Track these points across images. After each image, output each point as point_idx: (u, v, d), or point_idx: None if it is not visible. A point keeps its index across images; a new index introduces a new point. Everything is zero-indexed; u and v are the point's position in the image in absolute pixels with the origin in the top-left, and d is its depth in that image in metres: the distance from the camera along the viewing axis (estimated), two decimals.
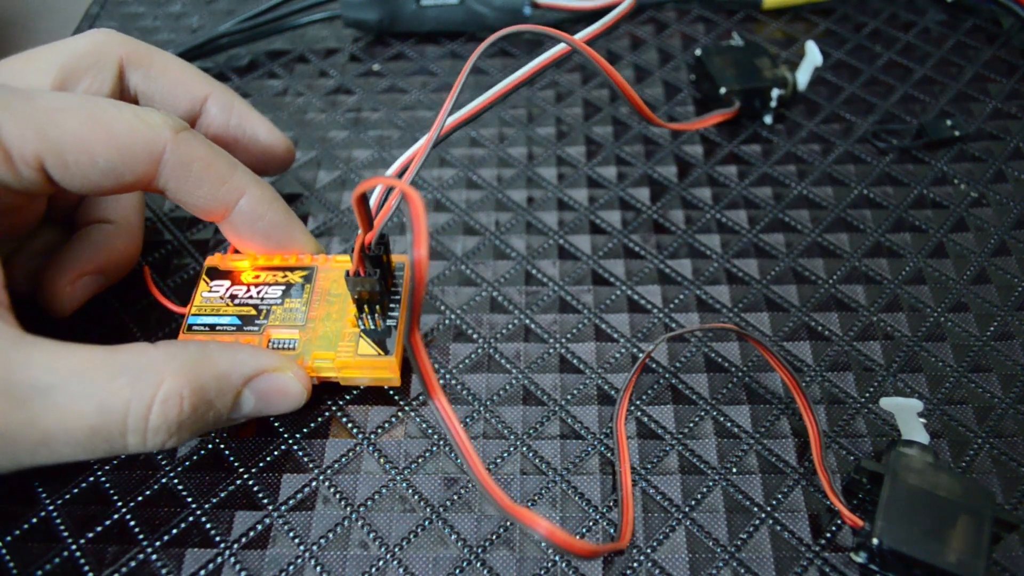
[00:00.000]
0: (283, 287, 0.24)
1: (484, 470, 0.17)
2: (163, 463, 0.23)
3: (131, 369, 0.19)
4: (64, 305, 0.24)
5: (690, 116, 0.32)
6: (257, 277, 0.24)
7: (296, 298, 0.24)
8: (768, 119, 0.32)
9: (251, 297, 0.24)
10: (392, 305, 0.24)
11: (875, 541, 0.19)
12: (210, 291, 0.24)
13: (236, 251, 0.26)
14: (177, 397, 0.19)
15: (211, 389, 0.20)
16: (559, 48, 0.23)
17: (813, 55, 0.31)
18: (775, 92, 0.30)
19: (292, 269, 0.25)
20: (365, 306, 0.23)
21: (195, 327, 0.23)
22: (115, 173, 0.21)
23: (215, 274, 0.25)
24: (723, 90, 0.30)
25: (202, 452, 0.23)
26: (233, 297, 0.24)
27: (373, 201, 0.22)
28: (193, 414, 0.19)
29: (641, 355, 0.25)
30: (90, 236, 0.25)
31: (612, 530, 0.21)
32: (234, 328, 0.23)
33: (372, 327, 0.23)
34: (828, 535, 0.21)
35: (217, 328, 0.23)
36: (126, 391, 0.18)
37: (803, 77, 0.31)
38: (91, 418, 0.18)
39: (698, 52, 0.32)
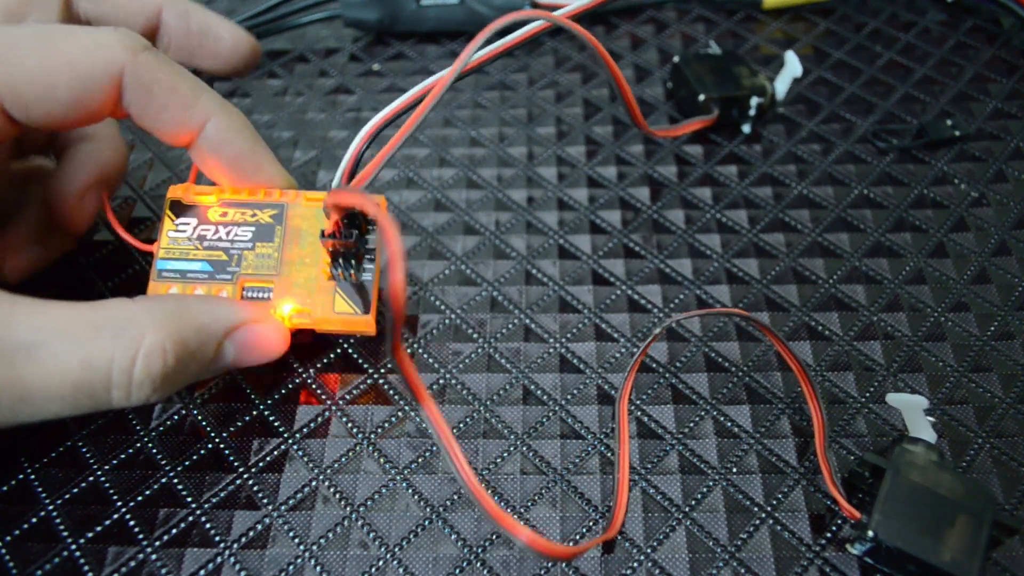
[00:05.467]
0: (253, 228, 0.23)
1: (473, 477, 0.17)
2: (163, 463, 0.23)
3: (113, 324, 0.19)
4: (81, 218, 0.24)
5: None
6: (224, 215, 0.24)
7: (267, 242, 0.23)
8: (747, 128, 0.31)
9: (220, 239, 0.23)
10: (368, 256, 0.23)
11: (870, 533, 0.19)
12: (176, 230, 0.23)
13: (198, 182, 0.25)
14: (160, 351, 0.19)
15: (192, 342, 0.20)
16: (539, 23, 0.22)
17: (792, 66, 0.31)
18: (754, 100, 0.30)
19: (261, 207, 0.24)
20: (340, 259, 0.22)
21: (165, 273, 0.23)
22: (78, 103, 0.20)
23: (179, 208, 0.24)
24: (702, 97, 0.30)
25: (202, 452, 0.23)
26: (201, 238, 0.23)
27: (344, 167, 0.22)
28: (176, 367, 0.19)
29: (657, 329, 0.24)
30: (78, 155, 0.24)
31: None
32: (206, 276, 0.23)
33: (347, 280, 0.23)
34: (828, 535, 0.21)
35: (188, 275, 0.23)
36: (109, 346, 0.18)
37: (781, 87, 0.31)
38: (74, 374, 0.18)
39: (676, 59, 0.32)
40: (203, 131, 0.22)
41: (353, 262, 0.22)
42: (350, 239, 0.22)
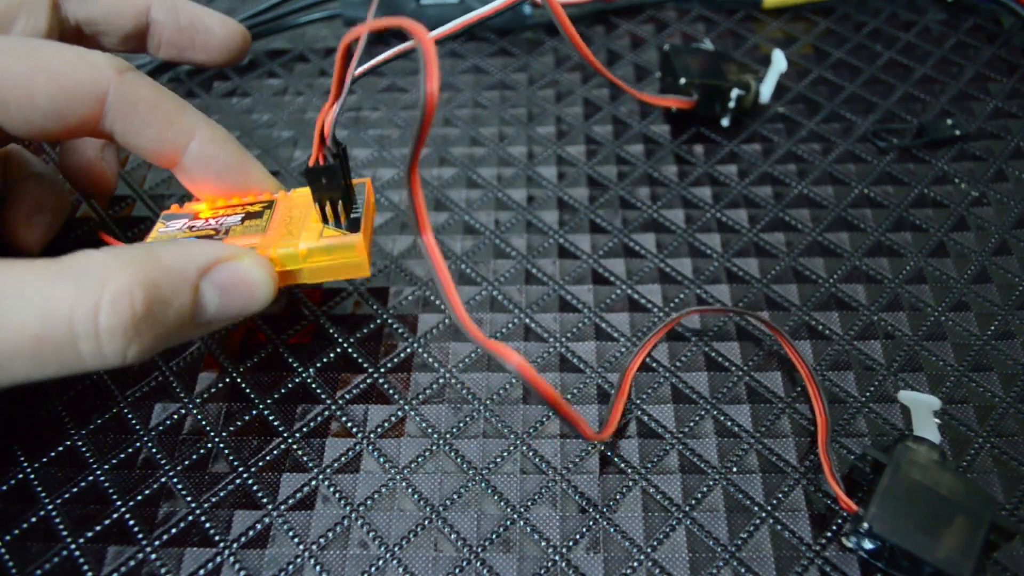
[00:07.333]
0: (242, 215, 0.23)
1: (462, 307, 0.17)
2: (162, 462, 0.23)
3: (73, 273, 0.18)
4: (35, 239, 0.24)
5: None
6: (216, 212, 0.24)
7: (256, 219, 0.23)
8: (725, 122, 0.31)
9: (210, 225, 0.23)
10: (355, 208, 0.23)
11: (865, 526, 0.19)
12: (166, 227, 0.23)
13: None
14: (127, 295, 0.18)
15: (164, 285, 0.18)
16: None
17: (778, 62, 0.31)
18: (734, 92, 0.30)
19: (252, 204, 0.24)
20: (328, 205, 0.22)
21: None
22: (58, 115, 0.21)
23: (171, 217, 0.24)
24: (683, 80, 0.30)
25: (202, 451, 0.23)
26: (191, 228, 0.23)
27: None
28: (149, 313, 0.18)
29: (669, 319, 0.25)
30: (22, 189, 0.25)
31: (612, 529, 0.21)
32: None
33: (336, 222, 0.22)
34: (829, 534, 0.21)
35: None
36: (69, 294, 0.17)
37: (767, 84, 0.31)
38: (32, 326, 0.17)
39: (666, 47, 0.32)
40: (187, 150, 0.23)
41: (341, 205, 0.22)
42: (335, 165, 0.21)
